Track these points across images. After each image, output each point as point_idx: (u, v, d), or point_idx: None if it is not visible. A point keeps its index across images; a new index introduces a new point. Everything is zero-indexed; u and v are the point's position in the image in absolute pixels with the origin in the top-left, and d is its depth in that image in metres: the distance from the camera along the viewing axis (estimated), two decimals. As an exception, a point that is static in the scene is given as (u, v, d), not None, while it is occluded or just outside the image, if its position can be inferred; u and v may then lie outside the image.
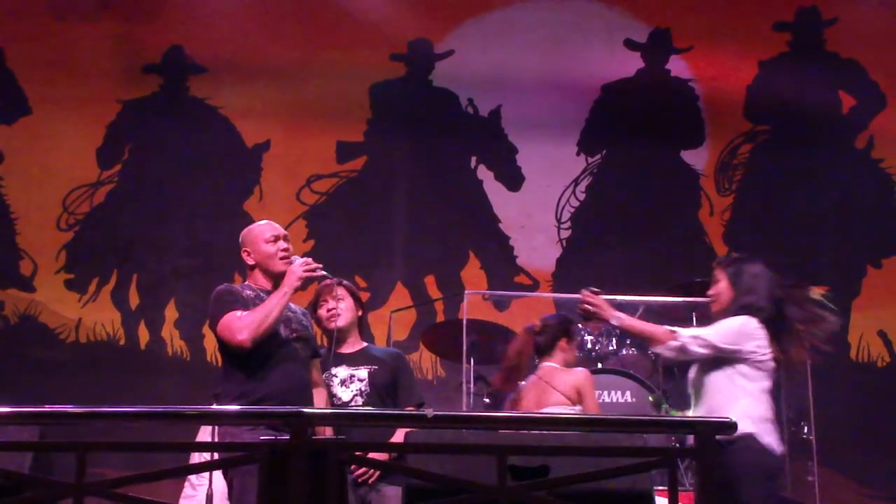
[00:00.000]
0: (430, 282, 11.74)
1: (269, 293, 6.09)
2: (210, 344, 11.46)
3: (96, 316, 11.53)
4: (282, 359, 5.96)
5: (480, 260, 11.91)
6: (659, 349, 6.47)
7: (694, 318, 9.47)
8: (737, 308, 6.47)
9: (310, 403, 6.13)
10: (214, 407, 6.19)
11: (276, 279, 6.14)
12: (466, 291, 10.10)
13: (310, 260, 6.04)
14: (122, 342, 11.51)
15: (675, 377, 9.70)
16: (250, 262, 6.23)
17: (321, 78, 12.13)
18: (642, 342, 6.75)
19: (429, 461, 4.24)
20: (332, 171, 11.99)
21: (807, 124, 12.07)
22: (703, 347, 6.32)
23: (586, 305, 6.43)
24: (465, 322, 9.07)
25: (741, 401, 6.25)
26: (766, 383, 6.39)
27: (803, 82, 12.16)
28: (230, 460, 4.36)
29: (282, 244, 6.20)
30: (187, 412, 4.54)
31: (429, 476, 4.17)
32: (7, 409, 4.34)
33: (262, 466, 3.98)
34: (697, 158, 12.19)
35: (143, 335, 11.53)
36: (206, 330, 11.44)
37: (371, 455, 5.37)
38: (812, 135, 12.11)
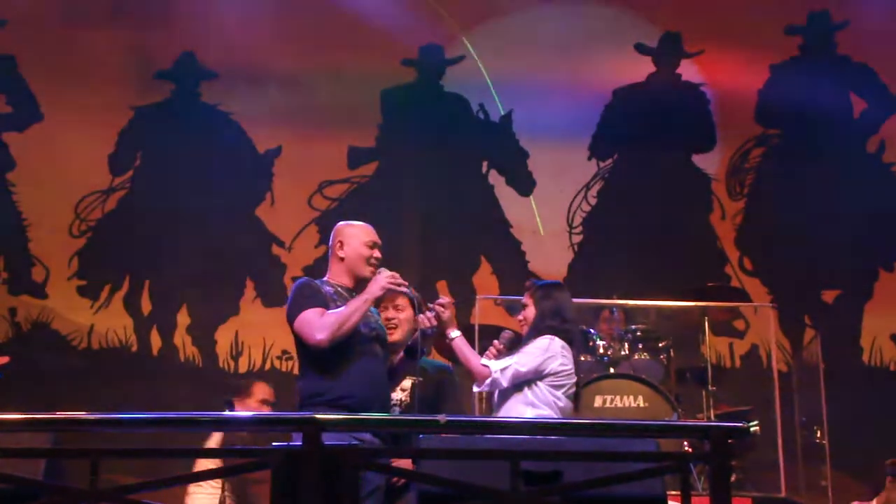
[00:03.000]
0: (441, 287, 11.73)
1: (348, 290, 6.06)
2: (222, 350, 11.48)
3: (108, 322, 11.54)
4: (361, 357, 5.91)
5: (492, 265, 11.91)
6: (475, 383, 6.66)
7: (706, 322, 9.48)
8: (543, 329, 6.70)
9: (388, 402, 6.14)
10: (227, 413, 6.18)
11: (358, 282, 6.11)
12: (478, 296, 10.10)
13: (397, 274, 6.00)
14: (134, 348, 11.53)
15: (686, 381, 9.71)
16: (340, 254, 6.14)
17: (332, 84, 12.14)
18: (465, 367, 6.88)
19: (441, 466, 4.24)
20: (344, 177, 12.01)
21: (818, 128, 12.07)
22: (509, 379, 6.54)
23: (440, 310, 6.49)
24: (476, 327, 9.05)
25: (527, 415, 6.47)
26: (564, 403, 6.61)
27: (814, 86, 12.15)
28: (244, 466, 4.37)
29: (376, 253, 6.17)
30: (200, 418, 4.54)
31: (442, 481, 4.17)
32: (20, 416, 4.34)
33: (275, 472, 3.98)
34: (709, 162, 12.19)
35: (156, 341, 11.54)
36: (217, 336, 11.48)
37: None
38: (823, 138, 12.11)
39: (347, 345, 5.86)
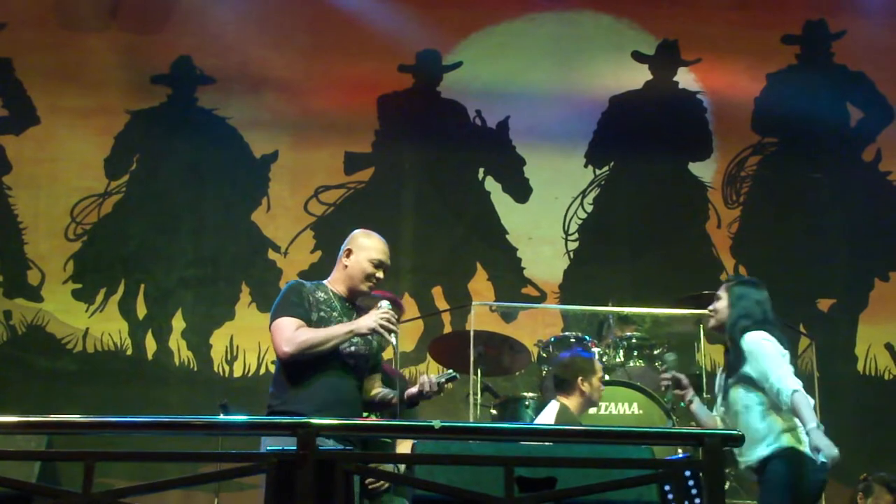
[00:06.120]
0: (437, 293, 11.73)
1: (340, 301, 6.04)
2: (217, 354, 11.47)
3: (103, 326, 11.52)
4: (330, 372, 5.85)
5: (488, 271, 11.90)
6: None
7: (701, 330, 9.48)
8: (738, 330, 6.55)
9: (357, 417, 6.02)
10: (222, 417, 6.17)
11: (352, 294, 6.10)
12: (473, 303, 10.08)
13: (392, 319, 5.85)
14: (129, 352, 11.50)
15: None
16: (345, 262, 6.09)
17: (329, 89, 12.15)
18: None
19: (436, 472, 4.24)
20: (340, 182, 12.00)
21: (814, 137, 12.08)
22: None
23: (677, 393, 6.52)
24: (472, 333, 9.05)
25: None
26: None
27: (811, 95, 12.17)
28: (238, 470, 4.36)
29: (379, 273, 6.10)
30: (194, 422, 4.54)
31: (436, 487, 4.17)
32: (14, 419, 4.34)
33: (269, 476, 3.98)
34: (705, 170, 12.20)
35: (151, 345, 11.52)
36: (213, 340, 11.47)
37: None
38: (820, 147, 12.12)
39: (319, 359, 5.82)
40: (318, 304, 5.94)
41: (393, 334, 5.86)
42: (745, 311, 6.60)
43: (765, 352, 6.40)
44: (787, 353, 6.46)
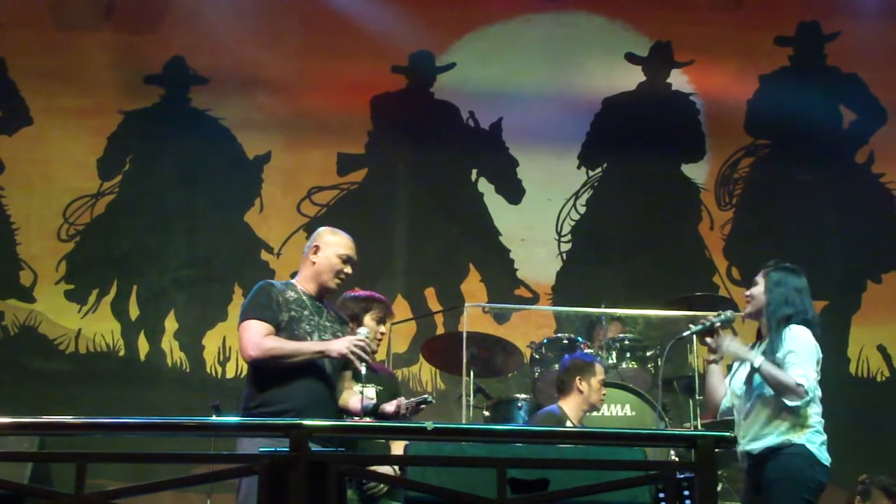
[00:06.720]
0: (430, 294, 11.73)
1: (311, 300, 6.06)
2: (210, 356, 11.46)
3: (96, 327, 11.51)
4: (303, 372, 5.86)
5: (480, 273, 11.90)
6: (790, 399, 6.26)
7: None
8: (780, 319, 6.46)
9: (332, 417, 6.02)
10: (214, 418, 6.17)
11: (320, 290, 6.12)
12: (466, 304, 10.06)
13: (366, 348, 5.85)
14: (121, 353, 11.50)
15: (673, 391, 9.70)
16: (313, 258, 6.13)
17: (322, 90, 12.14)
18: (774, 388, 6.47)
19: (428, 473, 4.24)
20: (333, 183, 11.99)
21: (807, 139, 12.08)
22: (815, 387, 6.31)
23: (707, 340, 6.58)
24: (464, 335, 9.05)
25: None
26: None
27: (804, 97, 12.17)
28: (230, 471, 4.36)
29: (348, 268, 6.14)
30: (186, 423, 4.54)
31: (429, 488, 4.17)
32: (7, 420, 4.34)
33: (261, 478, 3.98)
34: (698, 172, 12.20)
35: (143, 346, 11.52)
36: (205, 341, 11.46)
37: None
38: (813, 149, 12.12)
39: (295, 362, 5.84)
40: (289, 304, 5.96)
41: (363, 364, 5.86)
42: (784, 299, 6.51)
43: (804, 349, 6.34)
44: (820, 359, 6.41)
